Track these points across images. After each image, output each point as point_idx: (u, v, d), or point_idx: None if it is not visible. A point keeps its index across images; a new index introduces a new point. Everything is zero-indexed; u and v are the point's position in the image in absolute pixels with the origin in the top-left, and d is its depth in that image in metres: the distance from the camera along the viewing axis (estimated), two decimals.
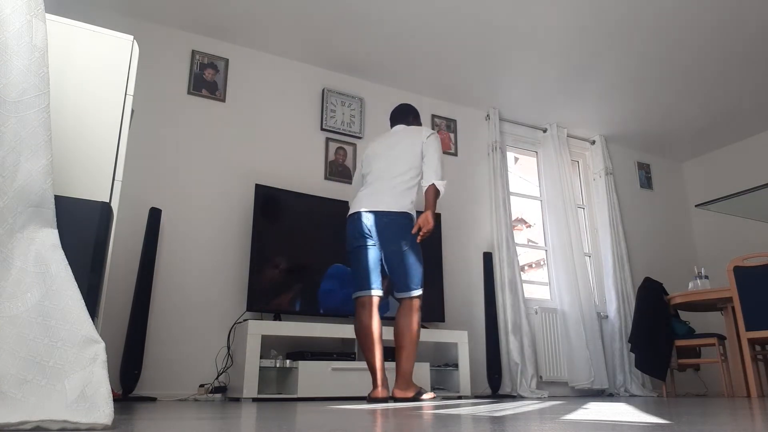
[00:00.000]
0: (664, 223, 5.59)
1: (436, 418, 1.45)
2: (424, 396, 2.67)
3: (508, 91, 4.59)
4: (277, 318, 3.31)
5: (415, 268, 2.66)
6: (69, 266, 1.16)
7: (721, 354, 3.99)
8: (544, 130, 5.01)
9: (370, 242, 2.70)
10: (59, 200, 1.28)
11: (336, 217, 3.68)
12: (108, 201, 1.53)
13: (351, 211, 2.78)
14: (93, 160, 1.54)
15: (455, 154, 4.61)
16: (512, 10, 3.59)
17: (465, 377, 3.61)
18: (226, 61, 3.88)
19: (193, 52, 3.78)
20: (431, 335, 3.59)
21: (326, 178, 4.02)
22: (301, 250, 3.49)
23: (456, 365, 3.66)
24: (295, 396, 3.03)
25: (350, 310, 3.52)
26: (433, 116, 4.62)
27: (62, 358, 1.06)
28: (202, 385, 3.17)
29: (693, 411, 1.75)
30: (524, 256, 8.25)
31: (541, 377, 4.27)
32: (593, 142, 5.31)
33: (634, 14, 3.64)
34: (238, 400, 2.99)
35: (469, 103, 4.77)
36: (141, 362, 2.89)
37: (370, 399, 2.56)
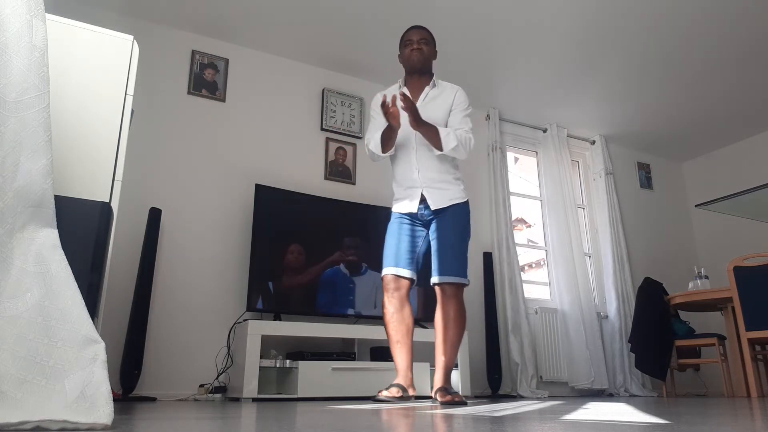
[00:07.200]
0: (664, 223, 5.59)
1: (436, 417, 1.45)
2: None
3: (508, 91, 4.59)
4: (277, 318, 3.31)
5: None
6: (69, 266, 1.16)
7: (721, 354, 3.99)
8: (544, 130, 5.01)
9: None
10: (59, 200, 1.28)
11: (336, 217, 3.67)
12: (108, 201, 1.53)
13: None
14: (93, 160, 1.54)
15: None
16: (512, 10, 3.59)
17: (465, 377, 3.61)
18: (226, 61, 3.88)
19: (193, 52, 3.78)
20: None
21: (326, 178, 4.02)
22: (301, 250, 3.49)
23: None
24: (295, 396, 3.02)
25: (348, 310, 3.52)
26: None
27: (62, 358, 1.06)
28: (202, 385, 3.17)
29: (693, 411, 1.75)
30: (524, 256, 8.24)
31: (541, 377, 4.27)
32: (593, 142, 5.30)
33: (634, 14, 3.63)
34: (238, 400, 2.99)
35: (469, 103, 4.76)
36: (141, 362, 2.89)
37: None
